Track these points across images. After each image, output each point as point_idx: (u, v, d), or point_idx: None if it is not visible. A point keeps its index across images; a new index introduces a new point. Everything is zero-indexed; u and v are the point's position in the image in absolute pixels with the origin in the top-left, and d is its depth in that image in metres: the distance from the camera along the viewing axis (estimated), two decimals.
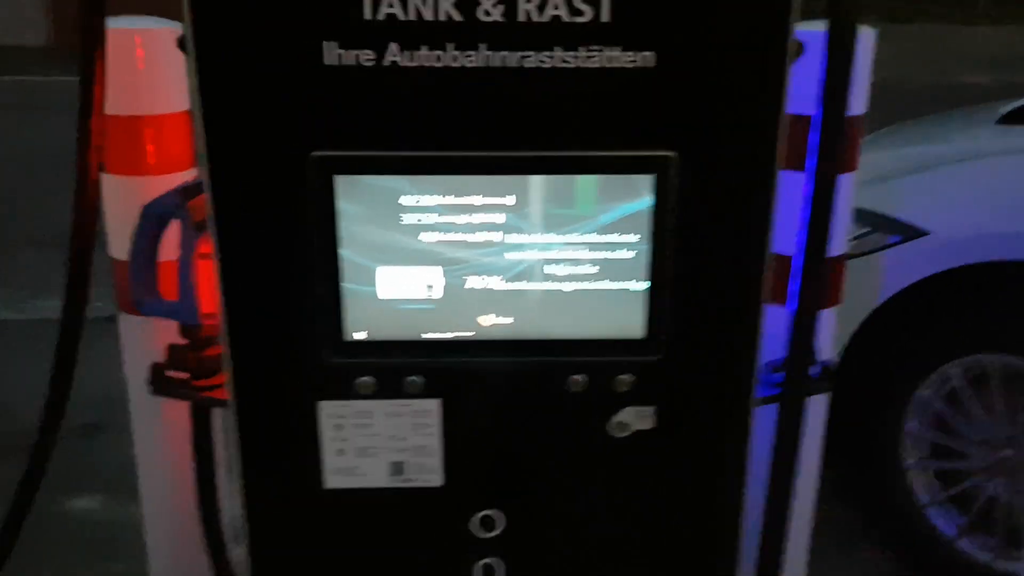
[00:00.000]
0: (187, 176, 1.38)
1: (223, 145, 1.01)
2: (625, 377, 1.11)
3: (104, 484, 2.72)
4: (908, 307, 2.26)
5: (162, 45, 1.33)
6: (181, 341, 1.25)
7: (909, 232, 2.23)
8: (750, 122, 1.04)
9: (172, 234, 1.25)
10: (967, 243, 2.22)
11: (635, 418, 1.13)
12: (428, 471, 1.15)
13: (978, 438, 2.28)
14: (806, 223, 1.11)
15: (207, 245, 1.16)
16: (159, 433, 1.50)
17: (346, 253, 1.05)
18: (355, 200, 1.03)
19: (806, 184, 1.08)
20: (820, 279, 1.16)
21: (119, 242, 1.39)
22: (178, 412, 1.36)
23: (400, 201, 1.04)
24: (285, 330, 1.09)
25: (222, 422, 1.38)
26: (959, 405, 2.28)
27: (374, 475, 1.15)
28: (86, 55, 1.06)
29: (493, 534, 1.18)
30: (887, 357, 2.28)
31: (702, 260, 1.08)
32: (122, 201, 1.38)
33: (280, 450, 1.15)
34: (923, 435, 2.33)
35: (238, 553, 1.32)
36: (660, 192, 1.04)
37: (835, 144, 1.06)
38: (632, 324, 1.09)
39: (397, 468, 1.15)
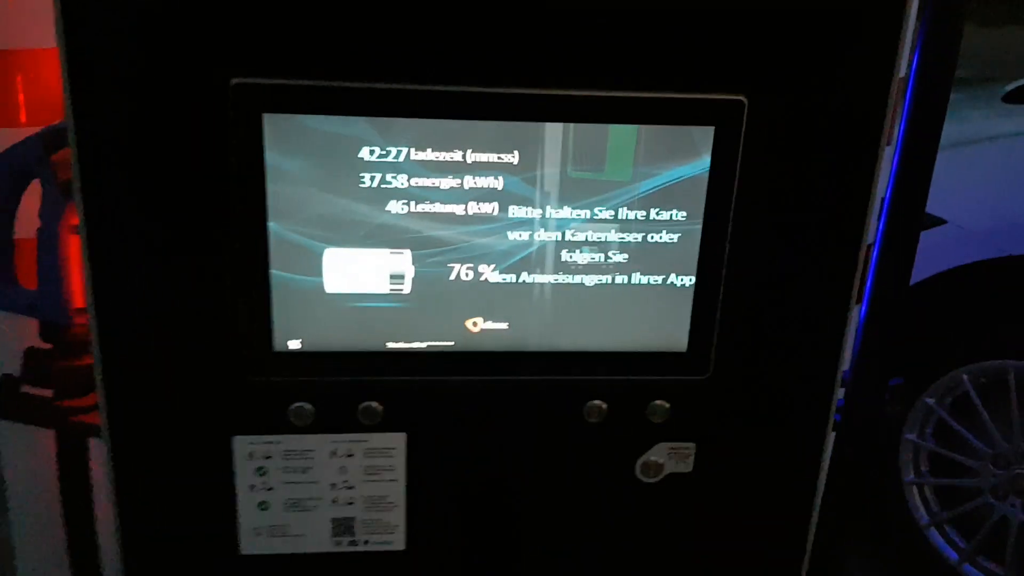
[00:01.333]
0: None
1: (93, 63, 0.74)
2: (660, 403, 0.89)
3: None
4: (917, 304, 2.05)
5: None
6: (43, 345, 0.92)
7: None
8: (853, 62, 0.80)
9: (33, 200, 0.97)
10: (988, 234, 2.06)
11: (671, 457, 0.91)
12: (386, 531, 0.92)
13: (989, 453, 2.09)
14: (889, 205, 1.00)
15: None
16: (28, 451, 1.23)
17: (278, 227, 0.80)
18: (293, 151, 0.78)
19: (895, 159, 0.97)
20: (905, 274, 0.96)
21: None
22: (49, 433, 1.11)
23: (361, 155, 0.78)
24: (186, 336, 0.83)
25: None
26: (968, 415, 2.10)
27: (310, 537, 0.91)
28: None
29: None
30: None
31: (772, 250, 0.86)
32: None
33: (177, 504, 0.89)
34: (926, 447, 2.15)
35: None
36: (720, 151, 0.81)
37: (938, 110, 0.96)
38: (672, 333, 0.88)
39: (343, 527, 0.91)
